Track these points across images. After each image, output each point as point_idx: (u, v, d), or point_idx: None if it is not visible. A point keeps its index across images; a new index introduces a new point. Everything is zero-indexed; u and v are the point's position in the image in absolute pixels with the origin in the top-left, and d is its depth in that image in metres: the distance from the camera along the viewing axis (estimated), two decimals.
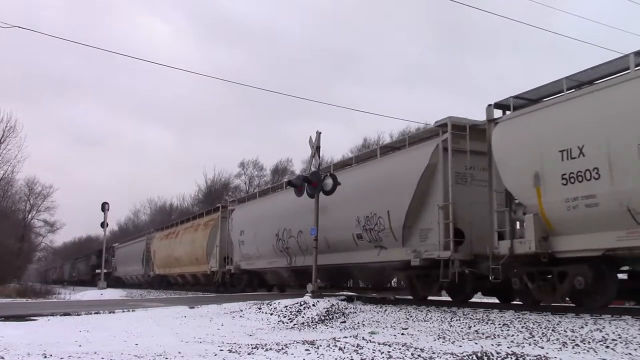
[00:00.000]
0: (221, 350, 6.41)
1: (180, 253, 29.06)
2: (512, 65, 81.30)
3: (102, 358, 5.78)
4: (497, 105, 10.99)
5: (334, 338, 7.58)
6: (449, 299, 12.89)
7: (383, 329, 8.85)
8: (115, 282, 44.85)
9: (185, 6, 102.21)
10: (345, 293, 14.40)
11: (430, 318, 9.75)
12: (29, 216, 51.66)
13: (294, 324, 10.24)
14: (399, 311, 10.83)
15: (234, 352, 6.24)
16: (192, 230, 28.27)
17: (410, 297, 13.36)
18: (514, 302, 11.56)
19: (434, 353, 6.12)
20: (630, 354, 5.91)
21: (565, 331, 7.30)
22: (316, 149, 14.86)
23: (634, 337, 6.61)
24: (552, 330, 7.46)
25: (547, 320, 8.23)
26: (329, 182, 14.08)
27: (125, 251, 43.97)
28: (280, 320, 10.56)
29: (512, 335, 7.39)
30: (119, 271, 45.06)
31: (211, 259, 25.10)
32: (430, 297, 12.91)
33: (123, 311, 11.66)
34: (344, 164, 16.95)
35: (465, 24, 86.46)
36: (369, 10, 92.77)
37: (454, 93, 76.79)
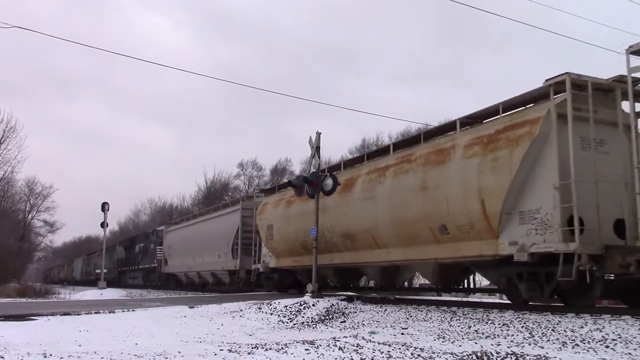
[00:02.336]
0: (221, 350, 6.41)
1: (369, 219, 13.40)
2: (517, 62, 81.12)
3: (102, 358, 5.78)
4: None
5: (334, 338, 7.58)
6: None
7: (383, 328, 8.86)
8: (165, 281, 32.04)
9: (184, 2, 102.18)
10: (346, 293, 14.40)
11: (430, 318, 9.76)
12: (29, 216, 51.68)
13: (294, 324, 10.25)
14: (398, 311, 10.84)
15: (233, 352, 6.24)
16: (421, 163, 11.94)
17: (410, 297, 13.37)
18: (509, 302, 11.32)
19: (433, 353, 6.12)
20: (630, 353, 5.91)
21: (565, 331, 7.31)
22: (316, 149, 14.87)
23: (634, 337, 6.61)
24: (552, 330, 7.47)
25: (547, 320, 8.23)
26: (328, 182, 14.07)
27: (190, 234, 27.74)
28: (280, 320, 10.57)
29: (512, 335, 7.40)
30: (172, 265, 30.54)
31: (510, 224, 10.01)
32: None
33: (123, 311, 11.67)
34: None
35: (468, 20, 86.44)
36: (371, 6, 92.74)
37: (457, 91, 76.73)
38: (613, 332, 6.97)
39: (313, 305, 11.59)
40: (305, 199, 15.59)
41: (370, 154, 15.40)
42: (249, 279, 21.08)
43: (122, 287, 36.48)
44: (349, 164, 16.00)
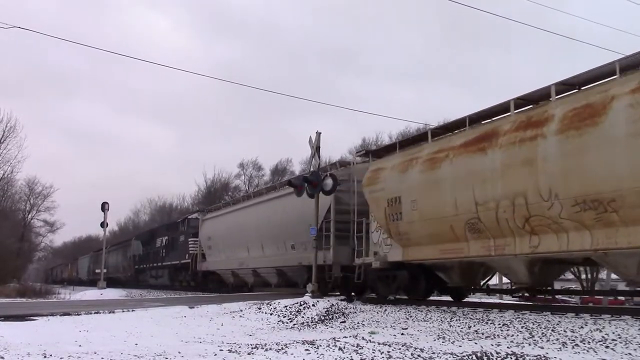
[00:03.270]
0: (221, 350, 6.41)
1: None
2: (518, 62, 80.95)
3: (102, 358, 5.79)
4: None
5: (334, 338, 7.58)
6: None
7: (383, 329, 8.86)
8: (202, 280, 25.63)
9: (184, 1, 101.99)
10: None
11: (430, 318, 9.75)
12: (29, 216, 51.60)
13: (294, 324, 10.25)
14: (398, 311, 10.83)
15: (233, 352, 6.24)
16: None
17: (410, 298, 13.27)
18: (509, 303, 11.31)
19: (433, 353, 6.12)
20: (630, 354, 5.92)
21: (565, 331, 7.31)
22: (316, 149, 14.86)
23: (634, 337, 6.61)
24: (552, 330, 7.47)
25: (547, 321, 8.23)
26: (328, 182, 14.05)
27: (243, 220, 21.06)
28: (280, 320, 10.57)
29: (512, 336, 7.40)
30: (214, 261, 23.99)
31: None
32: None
33: (123, 311, 11.67)
34: None
35: (470, 20, 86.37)
36: (371, 6, 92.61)
37: (458, 91, 76.63)
38: (613, 333, 6.97)
39: (313, 305, 11.58)
40: (480, 147, 10.26)
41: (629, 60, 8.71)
42: (345, 279, 14.71)
43: (141, 288, 32.18)
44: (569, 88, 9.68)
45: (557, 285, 12.49)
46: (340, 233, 14.83)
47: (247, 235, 20.38)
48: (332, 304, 11.75)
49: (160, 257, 32.16)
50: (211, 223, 24.77)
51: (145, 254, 35.75)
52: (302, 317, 10.83)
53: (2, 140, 37.06)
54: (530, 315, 9.11)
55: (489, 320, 8.86)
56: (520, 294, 13.79)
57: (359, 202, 13.91)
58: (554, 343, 6.66)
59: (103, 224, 32.24)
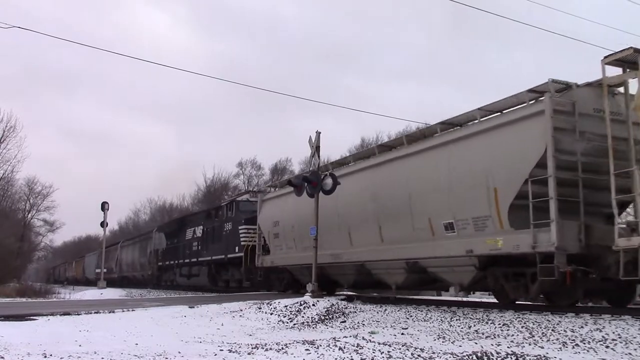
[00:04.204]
0: (221, 350, 6.41)
1: None
2: (519, 62, 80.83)
3: (102, 358, 5.79)
4: None
5: (334, 338, 7.58)
6: None
7: (383, 328, 8.86)
8: (265, 280, 19.29)
9: None
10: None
11: (430, 318, 9.76)
12: (29, 216, 51.63)
13: (294, 324, 10.25)
14: (398, 311, 10.84)
15: (233, 352, 6.24)
16: None
17: (410, 297, 13.28)
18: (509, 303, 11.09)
19: (433, 353, 6.12)
20: (630, 353, 5.92)
21: (565, 331, 7.31)
22: (316, 148, 14.82)
23: (634, 337, 6.62)
24: (552, 330, 7.47)
25: (547, 320, 8.23)
26: (328, 181, 14.00)
27: (339, 191, 13.61)
28: (280, 320, 10.57)
29: (512, 335, 7.40)
30: (282, 255, 17.69)
31: None
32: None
33: (123, 311, 11.67)
34: None
35: (472, 19, 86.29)
36: (374, 4, 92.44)
37: (460, 91, 76.53)
38: (613, 332, 6.98)
39: (313, 305, 11.59)
40: None
41: None
42: (572, 276, 8.76)
43: (169, 289, 27.86)
44: None
45: None
46: (566, 198, 9.06)
47: (347, 213, 14.07)
48: (332, 304, 11.75)
49: (194, 251, 25.99)
50: (278, 203, 18.10)
51: (171, 249, 29.58)
52: (302, 316, 10.83)
53: (2, 140, 37.16)
54: (530, 315, 9.10)
55: (489, 320, 8.86)
56: None
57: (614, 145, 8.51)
58: (554, 343, 6.66)
59: (103, 224, 32.25)
